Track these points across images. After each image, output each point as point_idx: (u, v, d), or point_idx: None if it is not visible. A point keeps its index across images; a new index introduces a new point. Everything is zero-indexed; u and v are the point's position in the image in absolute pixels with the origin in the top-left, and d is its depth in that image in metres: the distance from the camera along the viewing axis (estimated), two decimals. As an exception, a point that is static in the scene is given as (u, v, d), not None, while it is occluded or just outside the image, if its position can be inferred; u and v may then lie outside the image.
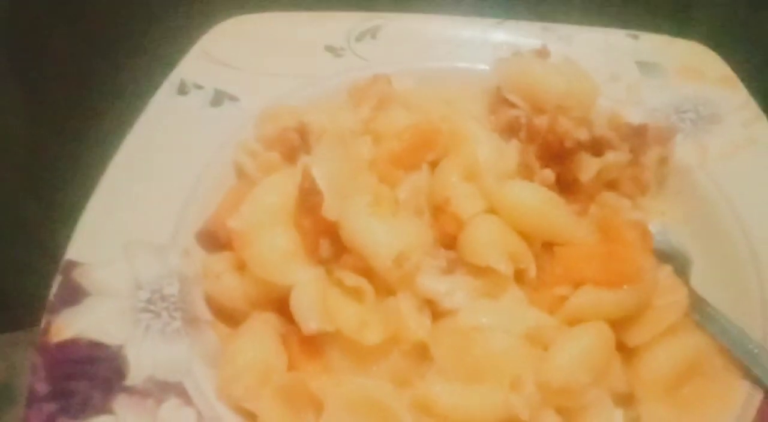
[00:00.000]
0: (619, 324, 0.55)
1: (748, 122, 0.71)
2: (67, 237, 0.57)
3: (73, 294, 0.53)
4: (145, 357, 0.51)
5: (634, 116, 0.72)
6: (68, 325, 0.51)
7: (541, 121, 0.61)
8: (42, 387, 0.47)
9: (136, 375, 0.49)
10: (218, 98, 0.72)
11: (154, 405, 0.48)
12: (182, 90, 0.71)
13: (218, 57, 0.75)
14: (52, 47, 0.85)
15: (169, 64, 0.74)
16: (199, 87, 0.72)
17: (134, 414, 0.47)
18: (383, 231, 0.55)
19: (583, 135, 0.59)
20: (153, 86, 0.71)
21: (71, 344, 0.50)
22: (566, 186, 0.62)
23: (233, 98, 0.72)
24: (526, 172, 0.62)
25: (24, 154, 0.86)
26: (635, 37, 0.80)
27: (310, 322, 0.52)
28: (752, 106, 0.72)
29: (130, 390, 0.48)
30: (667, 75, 0.76)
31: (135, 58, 0.83)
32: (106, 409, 0.47)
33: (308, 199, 0.57)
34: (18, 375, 0.97)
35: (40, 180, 0.85)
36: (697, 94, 0.74)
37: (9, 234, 0.88)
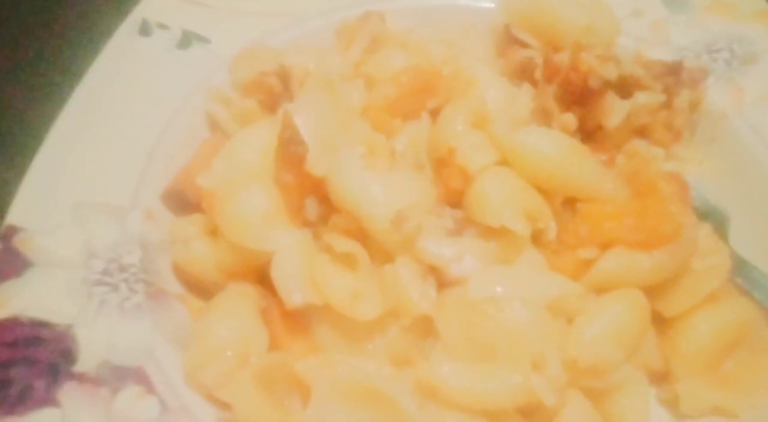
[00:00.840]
0: (655, 291, 0.49)
1: (789, 61, 0.63)
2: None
3: (14, 265, 0.46)
4: (98, 338, 0.44)
5: (660, 57, 0.64)
6: (7, 301, 0.44)
7: (561, 58, 0.53)
8: (-28, 377, 0.39)
9: (87, 359, 0.43)
10: (186, 39, 0.64)
11: (108, 394, 0.41)
12: (144, 30, 0.63)
13: (186, -8, 0.66)
14: None
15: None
16: (165, 27, 0.64)
17: (84, 406, 0.40)
18: (379, 188, 0.48)
19: (610, 72, 0.51)
20: (110, 25, 0.63)
21: (10, 323, 0.43)
22: (590, 132, 0.54)
23: (203, 40, 0.64)
24: (543, 117, 0.54)
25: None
26: (659, -31, 0.71)
27: (295, 294, 0.45)
28: (792, 43, 0.64)
29: (80, 378, 0.42)
30: (696, 10, 0.68)
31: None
32: (49, 401, 0.40)
33: (290, 150, 0.49)
34: None
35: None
36: (730, 31, 0.67)
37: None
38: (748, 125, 0.60)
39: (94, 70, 0.59)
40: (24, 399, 0.39)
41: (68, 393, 0.40)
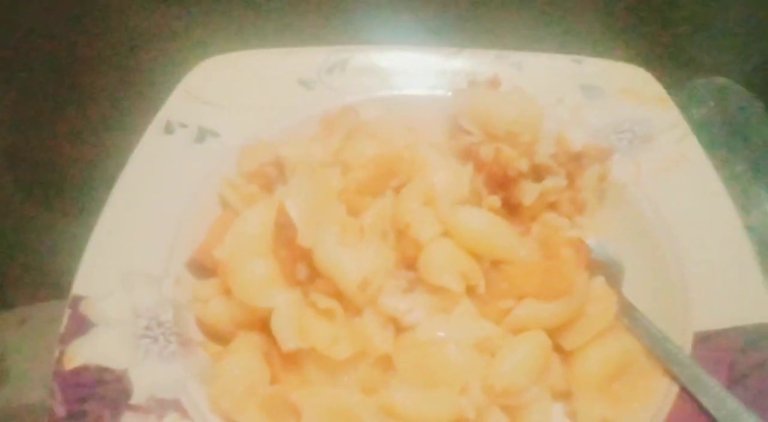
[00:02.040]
0: (557, 330, 0.63)
1: (679, 139, 0.79)
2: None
3: (81, 325, 0.60)
4: (146, 378, 0.58)
5: (577, 136, 0.80)
6: (78, 353, 0.59)
7: (487, 153, 0.69)
8: (60, 410, 0.55)
9: (139, 394, 0.57)
10: (201, 135, 0.79)
11: (156, 420, 0.56)
12: (168, 129, 0.78)
13: (200, 96, 0.82)
14: (40, 93, 0.92)
15: (156, 101, 0.81)
16: (184, 125, 0.79)
17: (140, 429, 0.55)
18: (349, 259, 0.63)
19: (523, 165, 0.67)
20: (142, 123, 0.79)
21: (82, 370, 0.57)
22: (511, 208, 0.70)
23: (215, 134, 0.80)
24: (475, 198, 0.70)
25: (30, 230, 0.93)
26: (579, 62, 0.87)
27: (289, 342, 0.60)
28: (683, 124, 0.80)
29: (135, 408, 0.56)
30: (608, 97, 0.84)
31: (124, 99, 0.90)
32: (115, 426, 0.55)
33: (284, 232, 0.65)
34: (8, 351, 1.02)
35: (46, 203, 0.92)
36: (634, 114, 0.82)
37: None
38: (643, 193, 0.76)
39: (131, 163, 0.74)
40: (97, 425, 0.55)
41: (128, 419, 0.56)
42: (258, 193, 0.75)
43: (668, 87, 0.84)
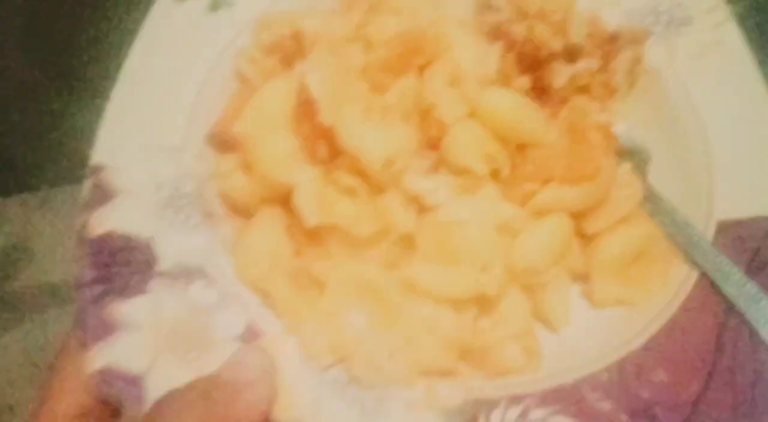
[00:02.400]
0: (580, 214, 0.64)
1: (718, 23, 0.75)
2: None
3: (103, 194, 0.60)
4: (171, 246, 0.59)
5: (612, 18, 0.76)
6: (102, 221, 0.59)
7: (519, 31, 0.66)
8: (88, 274, 0.55)
9: (165, 261, 0.58)
10: (215, 4, 0.75)
11: (183, 286, 0.57)
12: (180, -3, 0.75)
13: (213, -38, 0.77)
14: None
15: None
16: (196, -6, 0.75)
17: (167, 294, 0.56)
18: (374, 137, 0.61)
19: (556, 44, 0.64)
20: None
21: (107, 237, 0.58)
22: (541, 91, 0.67)
23: (229, 3, 0.76)
24: (504, 79, 0.67)
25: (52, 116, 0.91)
26: (619, -64, 0.81)
27: (312, 217, 0.60)
28: (722, 7, 0.76)
29: (162, 275, 0.57)
30: (647, -24, 0.79)
31: None
32: (143, 290, 0.56)
33: (305, 107, 0.64)
34: (33, 233, 1.06)
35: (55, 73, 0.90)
36: (672, -5, 0.78)
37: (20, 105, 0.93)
38: (676, 78, 0.74)
39: (143, 32, 0.71)
40: (126, 289, 0.56)
41: (155, 285, 0.56)
42: (276, 66, 0.72)
43: None
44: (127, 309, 0.55)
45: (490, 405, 0.55)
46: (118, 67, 0.69)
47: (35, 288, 1.11)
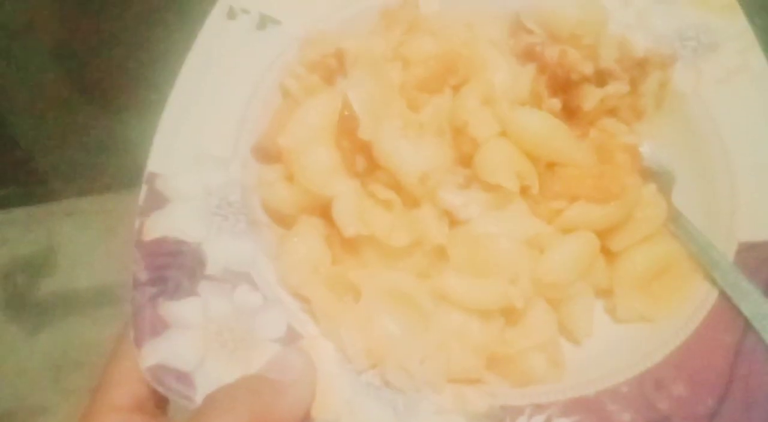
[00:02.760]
0: (606, 232, 0.66)
1: (744, 49, 0.78)
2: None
3: (157, 201, 0.64)
4: (219, 252, 0.63)
5: (641, 41, 0.79)
6: (156, 226, 0.63)
7: (552, 55, 0.69)
8: (143, 275, 0.60)
9: (213, 266, 0.62)
10: (263, 22, 0.80)
11: (230, 289, 0.61)
12: (231, 15, 0.79)
13: (262, -19, 0.82)
14: (97, 15, 0.90)
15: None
16: (246, 11, 0.79)
17: (215, 296, 0.60)
18: (410, 153, 0.65)
19: (587, 69, 0.67)
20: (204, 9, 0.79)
21: (161, 241, 0.62)
22: (571, 112, 0.70)
23: (276, 21, 0.80)
24: (536, 100, 0.71)
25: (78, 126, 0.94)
26: (649, -38, 0.84)
27: (349, 227, 0.63)
28: (749, 34, 0.78)
29: (211, 278, 0.61)
30: (676, 1, 0.82)
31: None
32: (193, 292, 0.60)
33: (347, 123, 0.67)
34: (57, 242, 1.09)
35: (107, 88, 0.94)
36: (700, 20, 0.80)
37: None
38: (701, 102, 0.76)
39: (196, 48, 0.75)
40: (178, 291, 0.60)
41: (204, 288, 0.60)
42: (319, 83, 0.76)
43: None
44: (178, 310, 0.59)
45: (515, 411, 0.58)
46: (155, 82, 0.73)
47: (59, 296, 1.13)
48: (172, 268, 0.61)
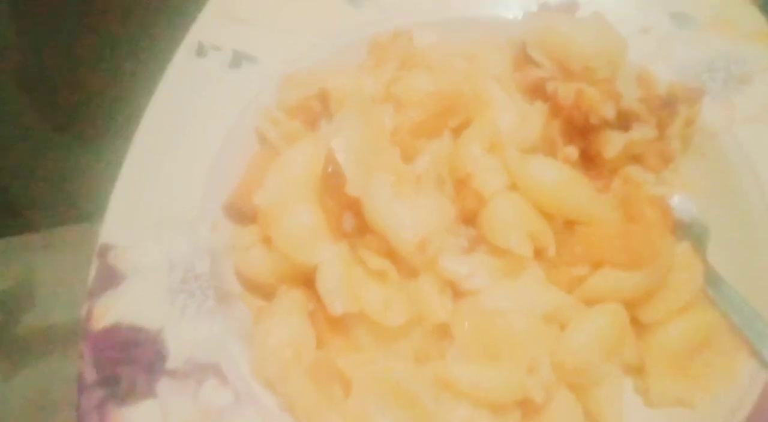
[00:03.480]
0: (635, 301, 0.57)
1: (781, 82, 0.69)
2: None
3: (111, 279, 0.55)
4: (183, 338, 0.54)
5: (664, 73, 0.70)
6: (108, 310, 0.54)
7: (566, 95, 0.60)
8: (90, 374, 0.50)
9: (176, 357, 0.53)
10: (237, 59, 0.71)
11: (194, 386, 0.51)
12: (200, 52, 0.70)
13: (234, 13, 0.73)
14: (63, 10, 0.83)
15: (186, 19, 0.72)
16: (217, 48, 0.71)
17: (176, 396, 0.51)
18: (406, 214, 0.56)
19: (609, 112, 0.58)
20: (171, 43, 0.70)
21: (113, 329, 0.53)
22: (590, 160, 0.61)
23: (252, 59, 0.71)
24: (549, 145, 0.62)
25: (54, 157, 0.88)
26: (669, -16, 0.75)
27: (336, 304, 0.54)
28: (786, 64, 0.70)
29: (172, 373, 0.52)
30: (701, 27, 0.73)
31: (150, 16, 0.81)
32: (150, 393, 0.51)
33: (332, 180, 0.58)
34: (35, 275, 1.02)
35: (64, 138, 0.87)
36: (729, 50, 0.71)
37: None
38: (736, 143, 0.67)
39: (160, 92, 0.67)
40: (131, 393, 0.50)
41: (164, 386, 0.51)
42: (300, 128, 0.67)
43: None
44: (132, 417, 0.49)
45: None
46: (127, 114, 0.65)
47: (38, 332, 1.08)
48: (125, 364, 0.52)
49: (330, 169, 0.59)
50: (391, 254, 0.57)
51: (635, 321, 0.58)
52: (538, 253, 0.58)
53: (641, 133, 0.60)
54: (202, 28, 0.71)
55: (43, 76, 0.94)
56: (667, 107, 0.62)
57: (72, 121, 0.94)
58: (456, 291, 0.57)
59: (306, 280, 0.59)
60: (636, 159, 0.62)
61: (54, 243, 1.06)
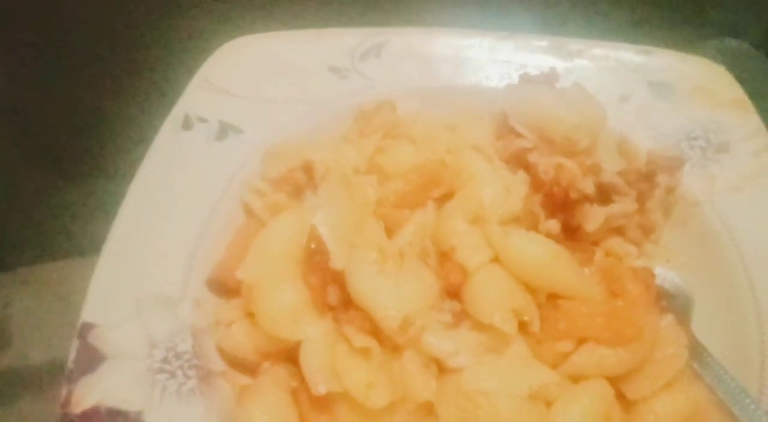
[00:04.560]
0: (621, 376, 0.57)
1: (759, 152, 0.70)
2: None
3: (91, 360, 0.55)
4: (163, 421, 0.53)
5: (643, 141, 0.72)
6: (88, 393, 0.53)
7: (547, 170, 0.61)
8: (67, 461, 0.49)
9: (155, 442, 0.52)
10: (223, 131, 0.71)
11: (175, 474, 0.50)
12: (187, 124, 0.71)
13: (220, 85, 0.74)
14: (50, 82, 0.84)
15: (174, 90, 0.73)
16: (204, 120, 0.71)
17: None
18: (389, 292, 0.56)
19: (588, 188, 0.59)
20: (158, 116, 0.71)
21: (92, 413, 0.52)
22: (571, 232, 0.62)
23: (238, 130, 0.72)
24: (530, 218, 0.62)
25: (31, 193, 0.88)
26: (647, 53, 0.77)
27: (319, 385, 0.54)
28: (763, 134, 0.71)
29: (152, 461, 0.51)
30: (679, 96, 0.75)
31: (137, 89, 0.82)
32: (130, 481, 0.49)
33: (315, 257, 0.58)
34: (10, 314, 1.00)
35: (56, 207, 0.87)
36: (708, 118, 0.73)
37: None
38: (716, 213, 0.67)
39: (145, 166, 0.66)
40: (110, 480, 0.50)
41: (144, 475, 0.50)
42: (285, 200, 0.68)
43: (678, 48, 0.75)
44: None
45: None
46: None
47: (13, 372, 1.05)
48: (104, 450, 0.50)
49: (313, 246, 0.60)
50: (375, 330, 0.57)
51: (621, 397, 0.58)
52: (523, 328, 0.58)
53: (621, 207, 0.60)
54: (188, 100, 0.72)
55: (22, 113, 0.93)
56: (647, 180, 0.62)
57: (52, 158, 0.93)
58: (440, 367, 0.56)
59: (289, 356, 0.58)
60: (617, 231, 0.63)
61: (32, 281, 1.04)
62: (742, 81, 0.74)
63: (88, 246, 0.62)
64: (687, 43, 0.78)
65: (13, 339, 1.02)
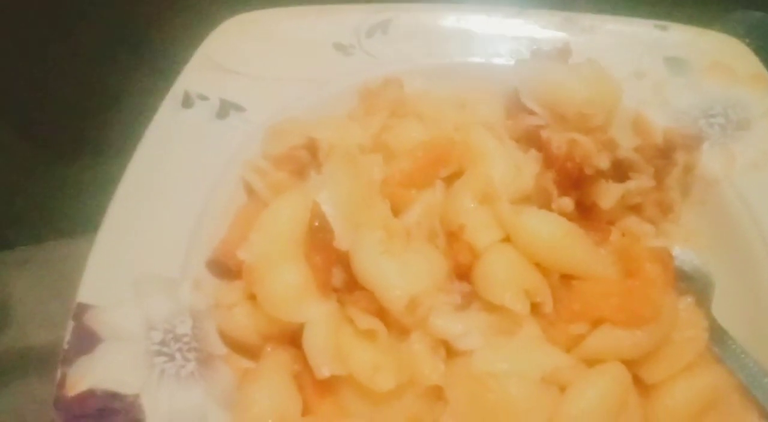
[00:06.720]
0: (638, 360, 0.54)
1: (780, 127, 0.67)
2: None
3: (86, 341, 0.53)
4: (161, 406, 0.51)
5: (660, 119, 0.69)
6: (83, 376, 0.51)
7: (560, 145, 0.58)
8: (62, 445, 0.47)
9: (153, 425, 0.50)
10: (224, 109, 0.69)
11: (173, 458, 0.48)
12: (187, 102, 0.69)
13: (222, 62, 0.72)
14: (49, 59, 0.82)
15: (174, 67, 0.71)
16: (204, 98, 0.69)
17: (154, 470, 0.48)
18: (395, 273, 0.54)
19: (603, 163, 0.56)
20: (158, 94, 0.69)
21: (88, 396, 0.50)
22: (586, 211, 0.59)
23: (239, 108, 0.70)
24: (543, 196, 0.60)
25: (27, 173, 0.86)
26: (663, 29, 0.75)
27: (323, 368, 0.52)
28: (785, 109, 0.68)
29: (149, 444, 0.49)
30: (696, 72, 0.72)
31: (137, 66, 0.80)
32: (126, 465, 0.47)
33: (318, 235, 0.56)
34: (10, 294, 0.99)
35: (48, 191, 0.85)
36: (726, 95, 0.70)
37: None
38: (736, 191, 0.65)
39: (144, 144, 0.64)
40: (105, 467, 0.48)
41: (141, 459, 0.48)
42: (287, 179, 0.65)
43: (700, 21, 0.72)
44: (104, 495, 0.46)
45: None
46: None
47: (13, 354, 1.04)
48: (99, 434, 0.48)
49: (316, 224, 0.58)
50: (381, 312, 0.54)
51: (638, 381, 0.55)
52: (535, 309, 0.55)
53: (638, 183, 0.58)
54: (188, 77, 0.70)
55: (19, 91, 0.91)
56: (664, 156, 0.60)
57: (52, 137, 0.91)
58: (449, 350, 0.54)
59: (292, 339, 0.56)
60: (634, 209, 0.60)
61: (32, 261, 1.03)
62: (765, 53, 0.71)
63: (88, 225, 0.60)
64: (709, 16, 0.75)
65: (14, 319, 1.01)
